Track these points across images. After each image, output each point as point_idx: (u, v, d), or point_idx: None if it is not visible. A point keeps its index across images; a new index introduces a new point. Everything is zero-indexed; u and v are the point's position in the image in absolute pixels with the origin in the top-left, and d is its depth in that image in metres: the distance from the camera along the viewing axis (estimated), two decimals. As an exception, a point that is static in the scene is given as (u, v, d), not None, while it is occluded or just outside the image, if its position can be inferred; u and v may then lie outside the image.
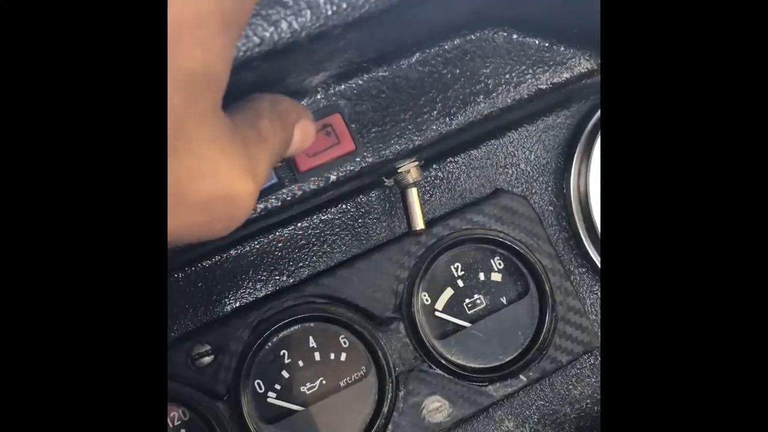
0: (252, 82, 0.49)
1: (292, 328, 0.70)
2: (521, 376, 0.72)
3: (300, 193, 0.58)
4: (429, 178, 0.74)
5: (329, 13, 0.46)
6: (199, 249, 0.65)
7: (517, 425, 0.72)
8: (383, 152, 0.60)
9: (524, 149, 0.76)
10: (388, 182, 0.71)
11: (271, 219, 0.61)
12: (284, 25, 0.45)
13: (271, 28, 0.45)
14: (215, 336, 0.67)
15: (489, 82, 0.62)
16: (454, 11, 0.59)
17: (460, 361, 0.71)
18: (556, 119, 0.77)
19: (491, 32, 0.62)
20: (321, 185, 0.58)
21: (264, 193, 0.57)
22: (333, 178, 0.59)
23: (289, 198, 0.58)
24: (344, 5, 0.46)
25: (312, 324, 0.70)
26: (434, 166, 0.74)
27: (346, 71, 0.58)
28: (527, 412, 0.73)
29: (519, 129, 0.76)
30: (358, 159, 0.59)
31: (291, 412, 0.69)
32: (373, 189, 0.72)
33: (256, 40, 0.44)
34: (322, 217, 0.71)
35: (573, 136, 0.77)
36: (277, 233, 0.70)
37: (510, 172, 0.76)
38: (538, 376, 0.72)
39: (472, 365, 0.72)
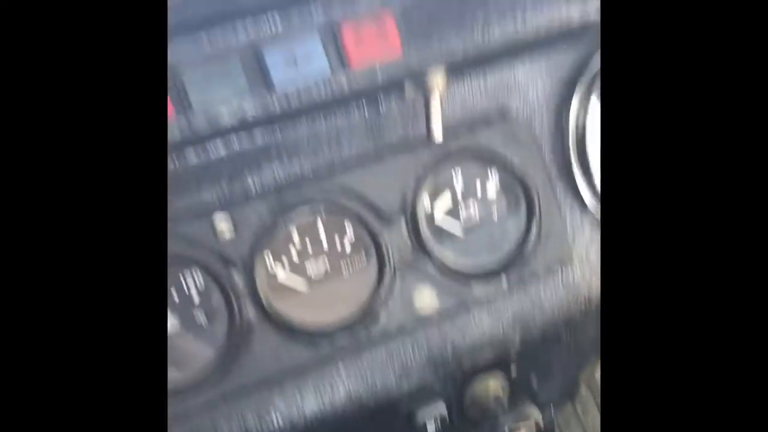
0: None
1: (306, 213, 0.76)
2: (502, 281, 0.81)
3: (346, 85, 0.63)
4: (445, 91, 0.79)
5: None
6: (229, 132, 0.70)
7: (492, 322, 0.81)
8: (425, 58, 0.65)
9: (534, 78, 0.82)
10: (408, 92, 0.76)
11: (315, 107, 0.66)
12: None
13: None
14: (238, 212, 0.73)
15: (527, 3, 0.67)
16: None
17: (451, 261, 0.80)
18: (566, 56, 0.83)
19: None
20: (366, 81, 0.63)
21: (315, 80, 0.62)
22: (378, 75, 0.64)
23: (336, 88, 0.63)
24: None
25: (324, 211, 0.76)
26: (452, 82, 0.79)
27: None
28: (502, 313, 0.82)
29: (532, 58, 0.82)
30: (402, 61, 0.64)
31: (295, 288, 0.76)
32: (394, 96, 0.78)
33: None
34: (344, 117, 0.76)
35: (580, 72, 0.83)
36: (303, 126, 0.75)
37: (518, 98, 0.82)
38: (517, 283, 0.81)
39: (462, 266, 0.80)
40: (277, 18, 0.62)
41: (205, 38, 0.61)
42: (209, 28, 0.61)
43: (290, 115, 0.70)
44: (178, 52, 0.60)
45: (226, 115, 0.63)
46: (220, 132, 0.67)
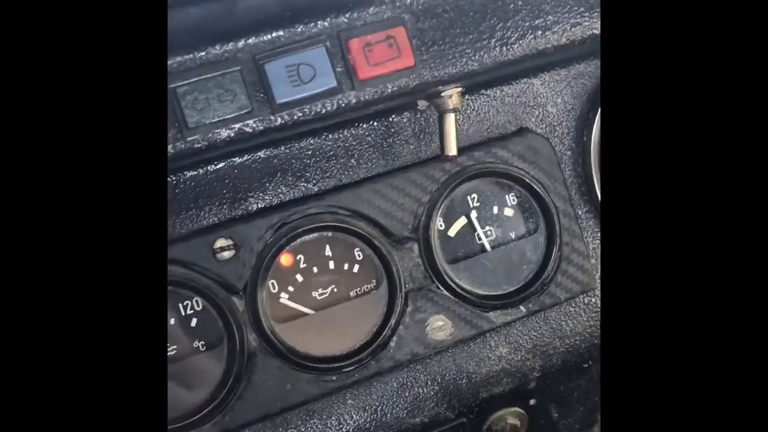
0: None
1: (312, 235, 0.71)
2: (521, 307, 0.76)
3: (355, 101, 0.59)
4: (461, 108, 0.75)
5: None
6: (229, 146, 0.65)
7: (510, 351, 0.76)
8: (439, 72, 0.61)
9: (553, 92, 0.78)
10: (421, 105, 0.71)
11: (322, 123, 0.62)
12: None
13: None
14: (238, 232, 0.68)
15: (549, 18, 0.63)
16: None
17: (466, 286, 0.75)
18: (587, 68, 0.78)
19: None
20: (376, 96, 0.59)
21: (321, 97, 0.58)
22: (389, 90, 0.59)
23: (344, 104, 0.58)
24: None
25: (331, 234, 0.72)
26: (467, 96, 0.75)
27: None
28: (521, 341, 0.77)
29: (551, 72, 0.77)
30: (414, 75, 0.60)
31: (301, 314, 0.71)
32: (406, 110, 0.73)
33: None
34: (353, 132, 0.72)
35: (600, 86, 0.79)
36: (309, 141, 0.71)
37: (537, 112, 0.78)
38: (537, 309, 0.76)
39: (477, 291, 0.75)
40: (280, 32, 0.57)
41: (203, 54, 0.56)
42: (208, 44, 0.56)
43: (294, 131, 0.66)
44: (174, 70, 0.55)
45: (225, 134, 0.58)
46: (219, 148, 0.62)
